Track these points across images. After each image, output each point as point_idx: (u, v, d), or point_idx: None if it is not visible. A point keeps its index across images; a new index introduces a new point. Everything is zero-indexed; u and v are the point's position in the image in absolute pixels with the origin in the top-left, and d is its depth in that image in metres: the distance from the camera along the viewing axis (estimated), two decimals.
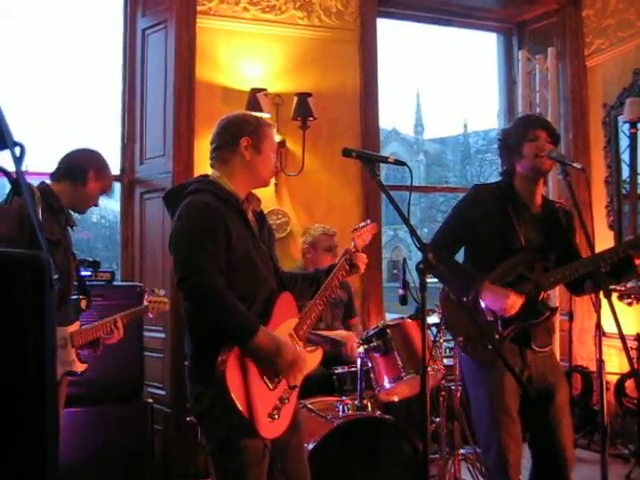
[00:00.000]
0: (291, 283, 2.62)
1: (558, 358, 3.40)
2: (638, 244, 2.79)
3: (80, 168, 2.99)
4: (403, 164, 2.38)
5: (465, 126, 45.00)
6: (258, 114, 2.57)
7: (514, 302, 2.78)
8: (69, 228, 3.09)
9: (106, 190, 3.11)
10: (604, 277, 2.67)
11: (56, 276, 1.00)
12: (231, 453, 2.30)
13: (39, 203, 1.42)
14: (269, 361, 2.28)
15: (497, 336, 2.83)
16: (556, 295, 4.76)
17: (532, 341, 2.86)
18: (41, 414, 0.89)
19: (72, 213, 3.13)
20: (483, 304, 2.85)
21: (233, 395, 2.18)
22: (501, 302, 2.78)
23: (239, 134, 2.44)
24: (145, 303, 3.36)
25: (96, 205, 3.13)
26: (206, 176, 2.50)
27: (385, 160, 2.43)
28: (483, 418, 2.90)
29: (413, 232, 2.23)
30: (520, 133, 2.92)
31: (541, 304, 2.85)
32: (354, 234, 2.72)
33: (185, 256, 2.27)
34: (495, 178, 3.21)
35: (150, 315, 3.36)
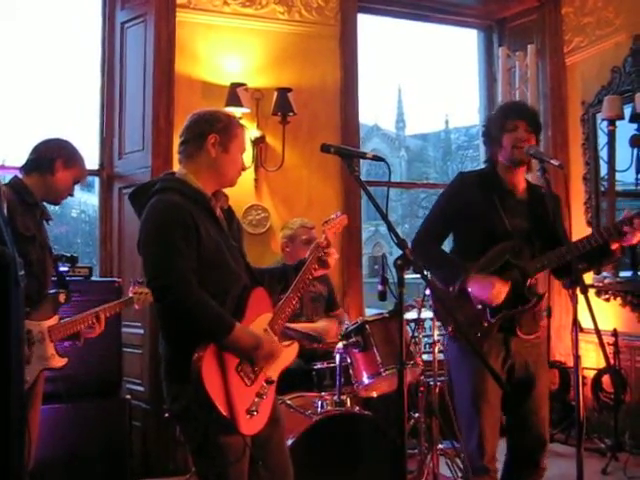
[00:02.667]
0: (260, 278, 2.59)
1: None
2: (617, 229, 2.81)
3: (47, 158, 2.95)
4: (382, 160, 2.37)
5: (446, 122, 45.13)
6: (232, 111, 2.56)
7: (499, 291, 2.80)
8: (45, 222, 3.05)
9: (79, 179, 3.06)
10: (581, 272, 2.68)
11: (22, 272, 0.98)
12: (211, 452, 2.29)
13: (4, 197, 1.40)
14: (246, 355, 2.29)
15: (485, 324, 2.85)
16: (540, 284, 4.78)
17: (518, 328, 2.89)
18: (4, 413, 0.87)
19: (48, 206, 3.09)
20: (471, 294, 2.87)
21: (210, 393, 2.17)
22: (487, 292, 2.79)
23: (207, 130, 2.39)
24: (130, 294, 3.31)
25: (71, 195, 3.08)
26: (172, 174, 2.46)
27: (364, 156, 2.42)
28: (465, 405, 2.95)
29: (391, 228, 2.23)
30: (499, 123, 2.94)
31: (528, 291, 2.87)
32: (325, 227, 2.69)
33: (156, 256, 2.25)
34: None
35: (136, 306, 3.31)
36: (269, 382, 2.40)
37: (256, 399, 2.32)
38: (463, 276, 2.85)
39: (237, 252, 2.44)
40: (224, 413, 2.19)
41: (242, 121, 3.08)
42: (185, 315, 2.20)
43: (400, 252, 2.16)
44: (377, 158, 2.38)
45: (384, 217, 2.24)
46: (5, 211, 1.33)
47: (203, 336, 2.21)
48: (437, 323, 3.77)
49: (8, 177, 3.07)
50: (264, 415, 2.37)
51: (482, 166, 3.16)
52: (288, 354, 2.53)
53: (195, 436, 2.31)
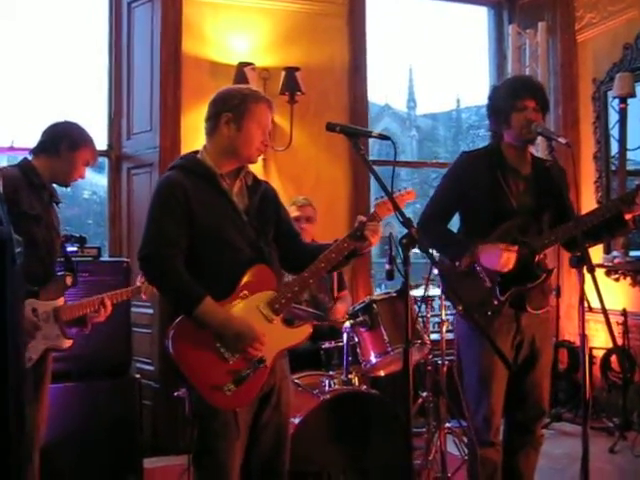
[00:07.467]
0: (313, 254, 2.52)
1: None
2: (628, 198, 2.80)
3: (52, 140, 2.96)
4: (387, 138, 2.36)
5: (458, 101, 44.69)
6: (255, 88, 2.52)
7: (508, 257, 2.79)
8: (55, 205, 3.06)
9: (88, 161, 3.06)
10: (588, 248, 2.66)
11: (19, 249, 0.98)
12: (199, 421, 2.36)
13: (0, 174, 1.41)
14: (215, 331, 2.29)
15: (495, 302, 2.86)
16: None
17: (527, 304, 2.89)
18: (1, 389, 0.87)
19: (59, 189, 3.10)
20: (479, 268, 2.87)
21: (179, 361, 2.28)
22: (497, 259, 2.79)
23: (221, 109, 2.43)
24: (138, 284, 3.30)
25: (82, 177, 3.07)
26: (195, 152, 2.52)
27: (369, 134, 2.41)
28: (473, 382, 2.98)
29: (396, 207, 2.23)
30: (509, 102, 2.90)
31: (537, 267, 2.87)
32: (377, 201, 2.52)
33: (144, 231, 2.39)
34: None
35: (143, 297, 3.28)
36: (259, 362, 2.33)
37: (232, 377, 2.29)
38: (471, 248, 2.84)
39: (246, 226, 2.42)
40: (191, 382, 2.28)
41: None
42: (157, 284, 2.42)
43: None
44: (383, 137, 2.37)
45: (389, 195, 2.24)
46: (1, 189, 1.34)
47: (175, 306, 2.35)
48: (445, 302, 3.77)
49: (18, 158, 3.08)
50: (245, 395, 2.33)
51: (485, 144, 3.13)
52: (293, 335, 2.49)
53: (190, 402, 2.42)
